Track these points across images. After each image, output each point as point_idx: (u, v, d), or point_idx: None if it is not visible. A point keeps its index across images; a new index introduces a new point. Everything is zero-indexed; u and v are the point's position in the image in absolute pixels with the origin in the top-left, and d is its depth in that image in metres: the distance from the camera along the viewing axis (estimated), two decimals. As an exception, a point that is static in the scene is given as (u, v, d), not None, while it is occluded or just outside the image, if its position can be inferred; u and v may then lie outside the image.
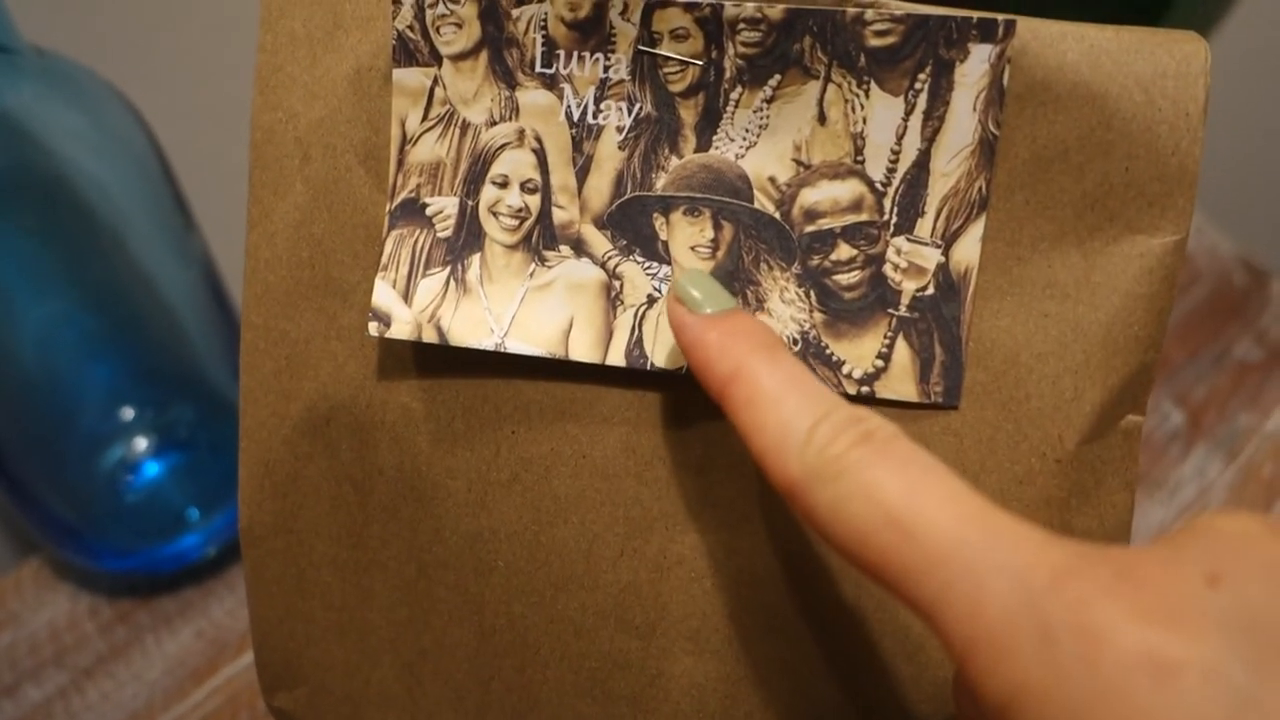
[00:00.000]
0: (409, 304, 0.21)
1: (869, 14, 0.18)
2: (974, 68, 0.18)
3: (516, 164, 0.20)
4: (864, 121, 0.19)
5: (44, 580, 0.42)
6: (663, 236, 0.20)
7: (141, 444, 0.43)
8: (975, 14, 0.18)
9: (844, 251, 0.19)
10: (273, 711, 0.26)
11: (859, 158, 0.19)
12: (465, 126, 0.20)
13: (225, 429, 0.43)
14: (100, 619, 0.40)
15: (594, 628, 0.22)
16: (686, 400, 0.20)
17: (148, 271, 0.39)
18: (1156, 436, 0.44)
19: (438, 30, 0.20)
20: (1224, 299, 0.52)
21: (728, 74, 0.19)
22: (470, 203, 0.21)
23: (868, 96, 0.19)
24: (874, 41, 0.18)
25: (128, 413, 0.43)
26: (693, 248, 0.20)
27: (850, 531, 0.15)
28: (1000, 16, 0.18)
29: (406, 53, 0.20)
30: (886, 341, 0.19)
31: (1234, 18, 0.53)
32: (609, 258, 0.20)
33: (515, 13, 0.20)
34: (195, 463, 0.44)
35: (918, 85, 0.18)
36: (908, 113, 0.19)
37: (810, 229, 0.19)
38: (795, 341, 0.20)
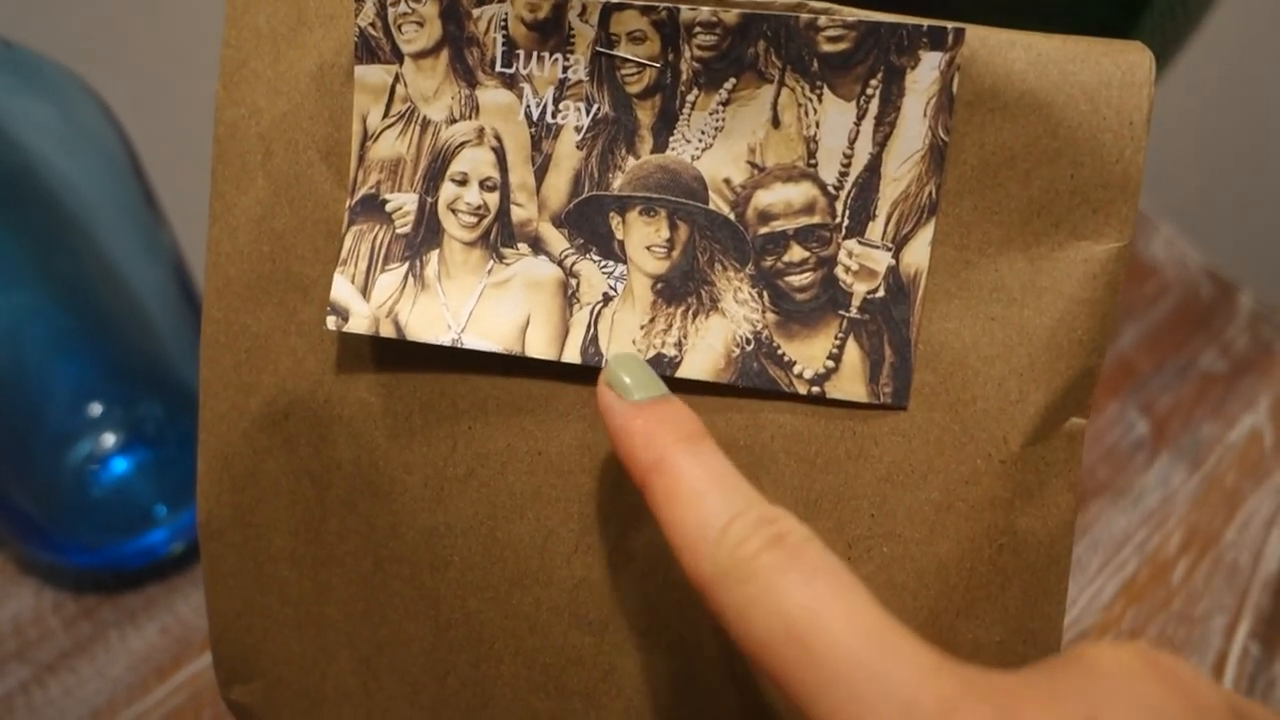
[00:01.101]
0: (367, 299, 0.21)
1: (822, 20, 0.18)
2: (924, 74, 0.18)
3: (476, 162, 0.20)
4: (817, 125, 0.19)
5: (8, 575, 0.41)
6: (619, 236, 0.20)
7: (109, 440, 0.43)
8: (925, 21, 0.18)
9: (796, 253, 0.20)
10: (229, 705, 0.26)
11: (812, 161, 0.19)
12: (426, 124, 0.21)
13: (193, 426, 0.43)
14: (64, 614, 0.40)
15: (548, 623, 0.22)
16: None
17: (117, 266, 0.39)
18: (1122, 445, 0.45)
19: (399, 28, 0.20)
20: (1191, 310, 0.52)
21: (684, 76, 0.19)
22: (429, 199, 0.21)
23: (820, 101, 0.19)
24: (827, 47, 0.19)
25: (95, 408, 0.43)
26: (648, 247, 0.20)
27: (754, 638, 0.15)
28: (950, 24, 0.18)
29: (368, 50, 0.21)
30: (837, 342, 0.20)
31: (1203, 34, 0.54)
32: (566, 256, 0.20)
33: (476, 12, 0.20)
34: (163, 459, 0.44)
35: (869, 91, 0.19)
36: (859, 118, 0.19)
37: (764, 230, 0.20)
38: (748, 341, 0.20)
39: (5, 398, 0.40)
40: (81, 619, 0.40)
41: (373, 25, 0.20)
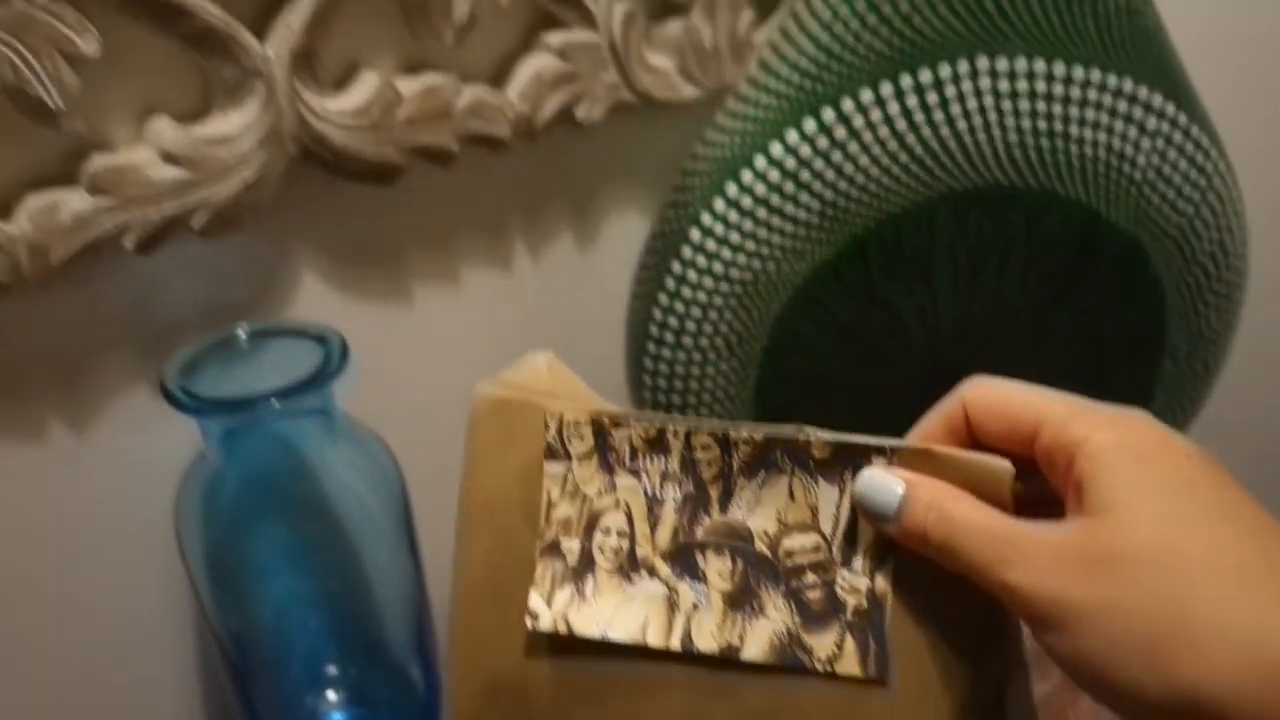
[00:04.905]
0: (550, 607, 0.34)
1: (814, 441, 0.32)
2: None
3: (614, 521, 0.34)
4: (816, 499, 0.32)
5: (259, 807, 0.54)
6: (702, 567, 0.33)
7: (333, 696, 0.56)
8: (873, 441, 0.31)
9: (810, 578, 0.32)
10: None
11: (815, 520, 0.32)
12: (584, 498, 0.34)
13: (400, 696, 0.56)
14: (300, 841, 0.52)
15: None
16: (719, 673, 0.32)
17: (371, 571, 0.53)
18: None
19: (570, 441, 0.35)
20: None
21: (735, 470, 0.33)
22: (587, 544, 0.34)
23: (817, 485, 0.32)
24: (818, 454, 0.32)
25: (331, 669, 0.56)
26: (719, 574, 0.33)
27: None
28: (888, 444, 0.31)
29: (552, 454, 0.35)
30: (840, 637, 0.31)
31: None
32: (670, 580, 0.33)
33: (614, 434, 0.34)
34: (370, 717, 0.56)
35: (845, 479, 0.31)
36: (841, 494, 0.31)
37: (790, 563, 0.32)
38: (784, 636, 0.32)
39: (270, 651, 0.54)
40: (312, 846, 0.51)
41: (554, 439, 0.35)
